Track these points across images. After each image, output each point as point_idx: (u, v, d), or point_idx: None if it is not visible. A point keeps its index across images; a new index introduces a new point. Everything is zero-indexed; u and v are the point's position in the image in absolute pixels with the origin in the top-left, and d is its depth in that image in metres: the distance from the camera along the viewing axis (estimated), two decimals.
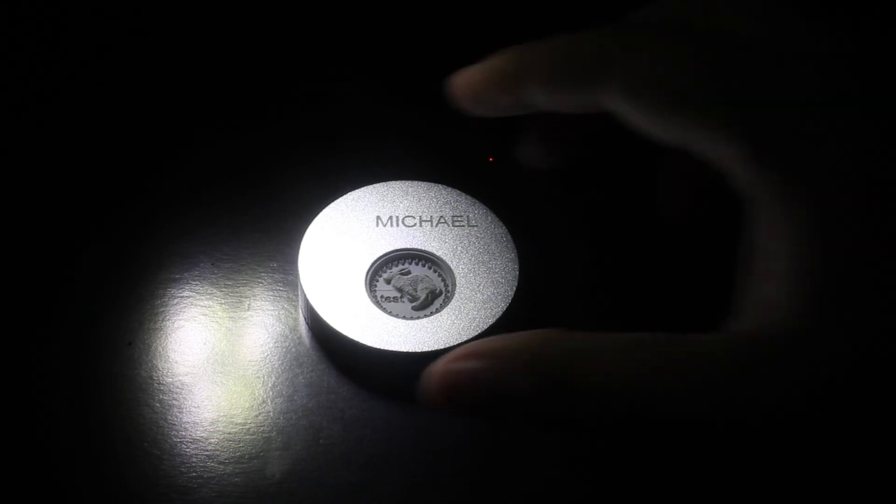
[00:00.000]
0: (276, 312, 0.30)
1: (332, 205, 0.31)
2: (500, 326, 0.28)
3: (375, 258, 0.30)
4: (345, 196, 0.31)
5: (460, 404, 0.23)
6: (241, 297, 0.31)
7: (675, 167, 0.28)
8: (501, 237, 0.30)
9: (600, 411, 0.22)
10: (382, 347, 0.27)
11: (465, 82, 0.28)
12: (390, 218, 0.31)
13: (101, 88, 0.35)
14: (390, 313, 0.28)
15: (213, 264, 0.31)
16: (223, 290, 0.31)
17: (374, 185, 0.31)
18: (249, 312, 0.30)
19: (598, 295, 0.32)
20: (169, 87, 0.36)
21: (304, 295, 0.29)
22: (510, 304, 0.28)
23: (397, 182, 0.32)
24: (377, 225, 0.30)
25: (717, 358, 0.21)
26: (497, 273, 0.29)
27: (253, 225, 0.32)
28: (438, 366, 0.23)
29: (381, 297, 0.29)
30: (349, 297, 0.29)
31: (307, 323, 0.30)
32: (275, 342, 0.30)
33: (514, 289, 0.29)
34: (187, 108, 0.35)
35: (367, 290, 0.29)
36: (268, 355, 0.30)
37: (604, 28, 0.25)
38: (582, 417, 0.23)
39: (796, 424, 0.20)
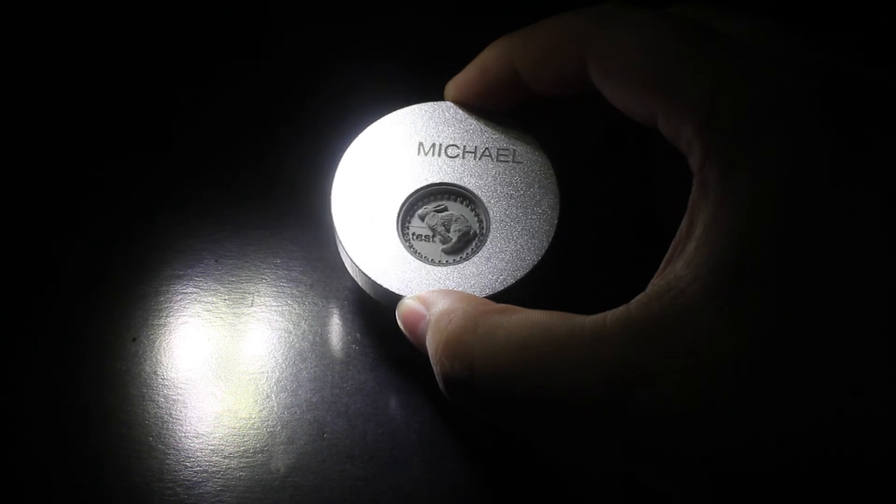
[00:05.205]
0: (280, 308, 0.30)
1: (376, 124, 0.29)
2: (517, 288, 0.27)
3: (412, 191, 0.29)
4: (389, 115, 0.30)
5: (409, 336, 0.26)
6: (244, 293, 0.31)
7: (673, 175, 0.28)
8: (546, 179, 0.28)
9: (485, 385, 0.23)
10: (400, 293, 0.27)
11: (459, 88, 0.29)
12: (433, 146, 0.29)
13: (103, 82, 0.35)
14: (420, 255, 0.28)
15: (216, 260, 0.31)
16: (227, 286, 0.31)
17: (421, 104, 0.30)
18: (253, 308, 0.30)
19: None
20: (169, 84, 0.36)
21: (335, 228, 0.28)
22: (536, 264, 0.27)
23: (444, 103, 0.30)
24: (418, 153, 0.29)
25: (598, 337, 0.21)
26: (533, 221, 0.28)
27: (256, 221, 0.32)
28: (404, 300, 0.26)
29: (414, 234, 0.28)
30: (380, 235, 0.28)
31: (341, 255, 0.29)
32: (278, 337, 0.30)
33: (545, 248, 0.27)
34: (188, 105, 0.35)
35: (398, 228, 0.28)
36: (271, 350, 0.30)
37: (588, 7, 0.25)
38: (475, 389, 0.23)
39: (670, 396, 0.20)
